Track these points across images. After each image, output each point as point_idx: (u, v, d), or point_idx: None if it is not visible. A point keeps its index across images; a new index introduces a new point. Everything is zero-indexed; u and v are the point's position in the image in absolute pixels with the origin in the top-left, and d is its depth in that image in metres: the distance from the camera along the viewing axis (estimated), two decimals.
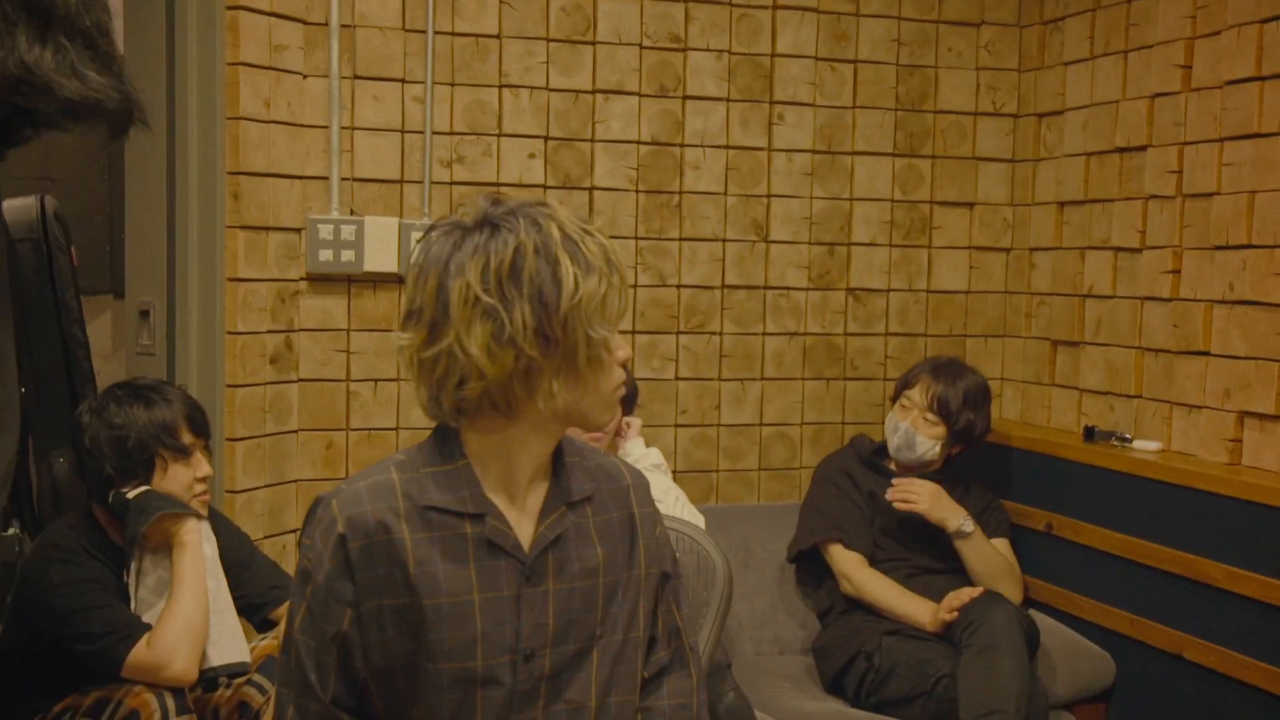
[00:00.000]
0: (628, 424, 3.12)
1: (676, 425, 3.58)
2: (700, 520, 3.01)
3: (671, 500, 3.02)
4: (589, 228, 1.55)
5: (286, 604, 2.70)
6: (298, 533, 3.22)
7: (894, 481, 3.30)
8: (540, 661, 1.60)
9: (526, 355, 1.50)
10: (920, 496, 3.25)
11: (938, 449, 3.31)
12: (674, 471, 3.47)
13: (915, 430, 3.30)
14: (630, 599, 1.66)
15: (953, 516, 3.26)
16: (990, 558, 3.28)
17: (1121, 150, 3.38)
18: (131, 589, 2.52)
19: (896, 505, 3.26)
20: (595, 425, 1.61)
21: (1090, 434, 3.39)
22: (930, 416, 3.30)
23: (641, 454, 3.10)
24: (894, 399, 3.42)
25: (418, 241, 1.60)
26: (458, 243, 1.52)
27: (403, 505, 1.57)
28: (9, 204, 3.86)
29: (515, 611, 1.58)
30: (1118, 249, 3.40)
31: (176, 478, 2.56)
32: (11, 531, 4.05)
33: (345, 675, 1.59)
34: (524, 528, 1.61)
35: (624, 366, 1.61)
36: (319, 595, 1.57)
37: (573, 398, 1.56)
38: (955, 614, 3.00)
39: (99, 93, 1.48)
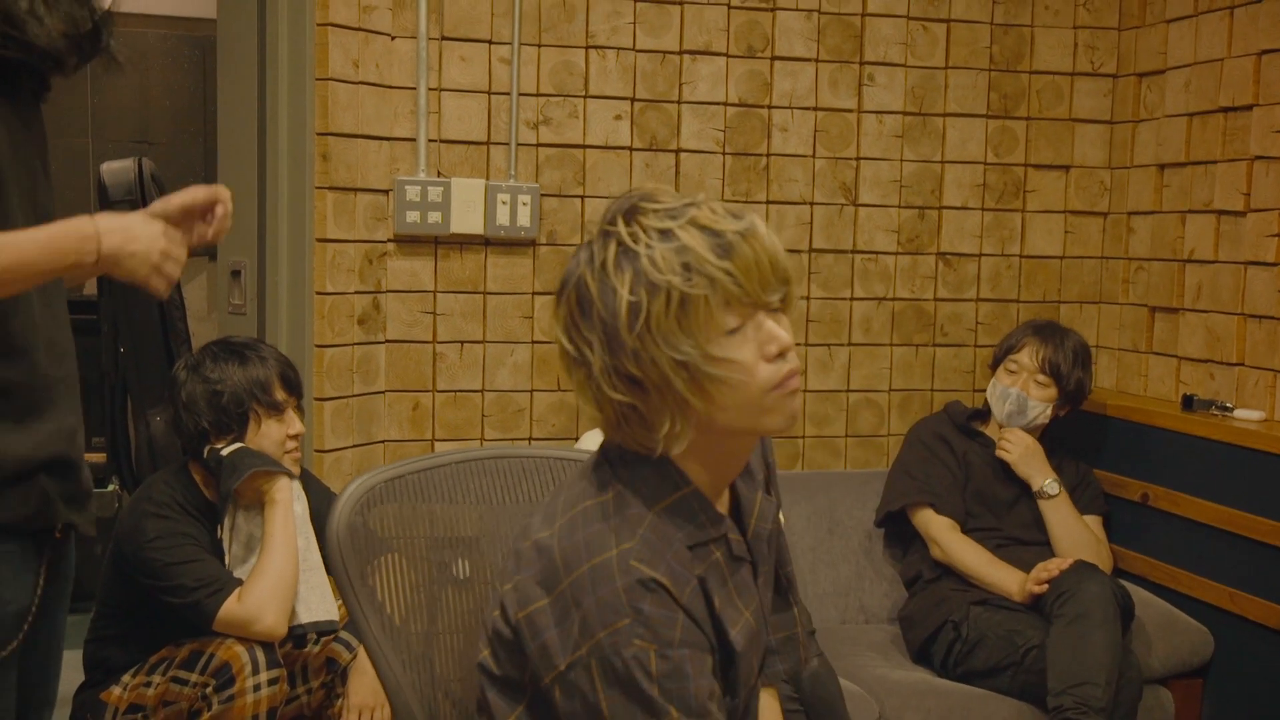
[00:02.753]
0: None
1: None
2: None
3: None
4: (674, 225, 1.34)
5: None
6: None
7: (1003, 432, 3.30)
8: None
9: (616, 400, 1.35)
10: (1014, 446, 3.25)
11: (1049, 411, 3.27)
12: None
13: (1026, 395, 3.26)
14: (774, 546, 1.59)
15: (1038, 475, 3.24)
16: (1074, 528, 3.22)
17: (1226, 110, 3.27)
18: (225, 545, 2.57)
19: (996, 452, 3.28)
20: (769, 433, 1.41)
21: (1189, 403, 3.30)
22: (1041, 379, 3.26)
23: None
24: (994, 365, 3.37)
25: None
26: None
27: (679, 549, 1.39)
28: (108, 166, 3.94)
29: (761, 612, 1.51)
30: (1220, 212, 3.29)
31: (270, 434, 2.60)
32: (110, 488, 4.15)
33: None
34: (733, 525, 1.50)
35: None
36: (682, 661, 1.33)
37: (710, 425, 1.37)
38: (1044, 586, 2.95)
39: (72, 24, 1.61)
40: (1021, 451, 3.25)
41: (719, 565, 1.42)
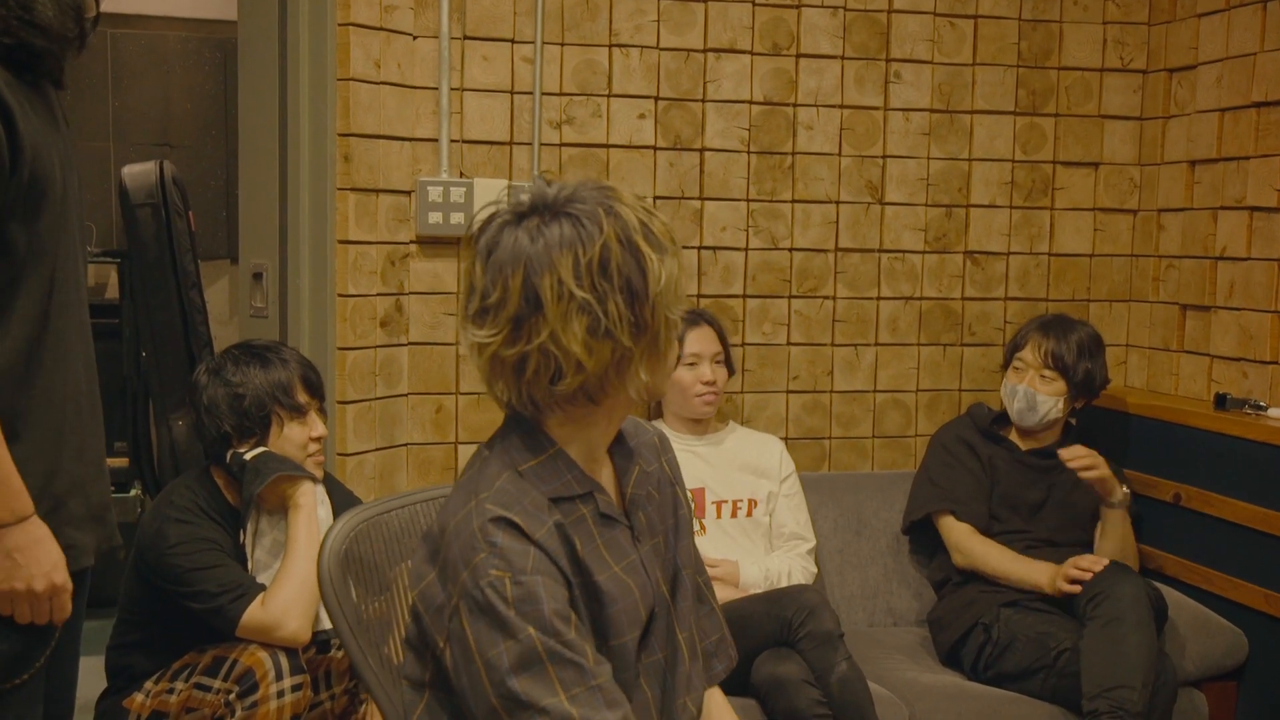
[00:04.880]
0: None
1: (788, 391, 3.52)
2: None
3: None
4: (650, 208, 1.55)
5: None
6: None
7: (1060, 453, 3.12)
8: (660, 615, 1.64)
9: (623, 345, 1.50)
10: (1100, 460, 3.10)
11: (1060, 405, 3.22)
12: (785, 439, 3.41)
13: (1034, 390, 3.21)
14: (686, 537, 1.74)
15: (1119, 486, 3.17)
16: (1127, 538, 3.19)
17: (1259, 105, 3.22)
18: (248, 550, 2.55)
19: (1080, 475, 3.09)
20: (658, 396, 1.59)
21: (1221, 401, 3.25)
22: (1047, 373, 3.22)
23: None
24: (1005, 365, 3.33)
25: (476, 229, 1.56)
26: (534, 235, 1.49)
27: (536, 497, 1.53)
28: (129, 169, 3.94)
29: (642, 573, 1.61)
30: (1253, 208, 3.25)
31: (292, 437, 2.59)
32: (133, 493, 4.15)
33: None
34: (612, 495, 1.64)
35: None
36: (534, 585, 1.44)
37: (653, 379, 1.56)
38: (1077, 587, 2.91)
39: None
40: (1102, 464, 3.09)
41: (585, 520, 1.56)
